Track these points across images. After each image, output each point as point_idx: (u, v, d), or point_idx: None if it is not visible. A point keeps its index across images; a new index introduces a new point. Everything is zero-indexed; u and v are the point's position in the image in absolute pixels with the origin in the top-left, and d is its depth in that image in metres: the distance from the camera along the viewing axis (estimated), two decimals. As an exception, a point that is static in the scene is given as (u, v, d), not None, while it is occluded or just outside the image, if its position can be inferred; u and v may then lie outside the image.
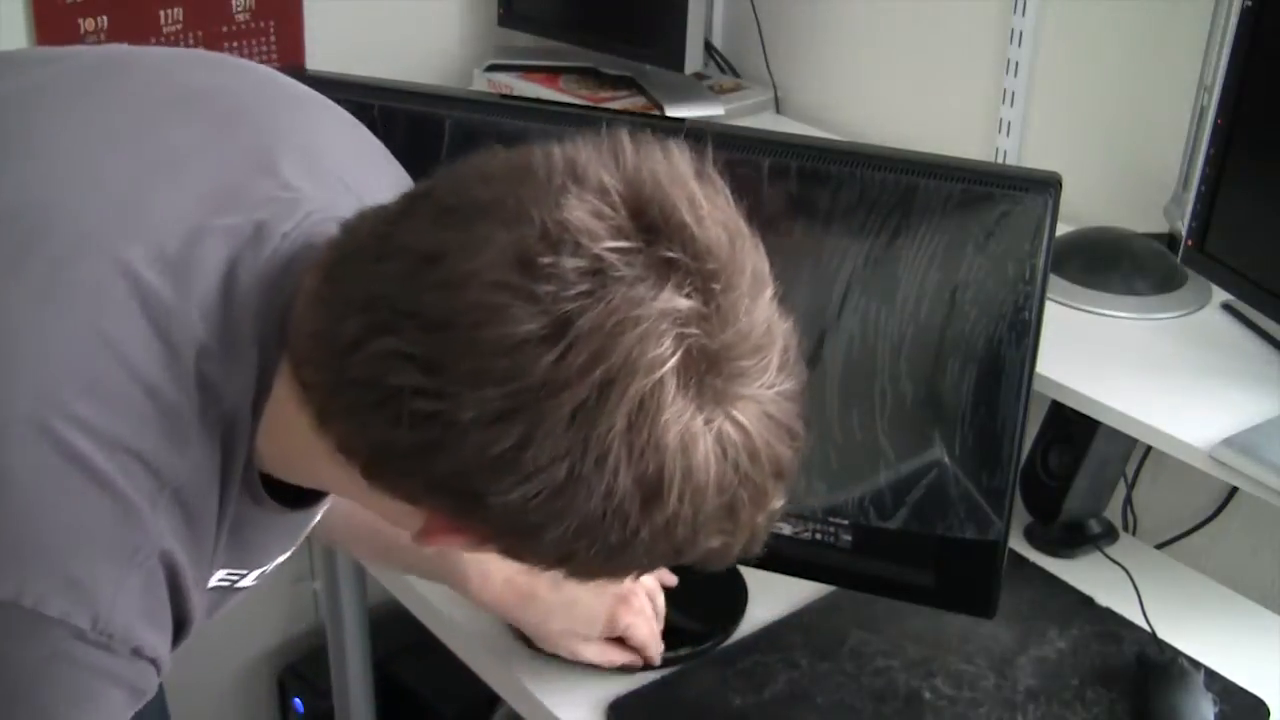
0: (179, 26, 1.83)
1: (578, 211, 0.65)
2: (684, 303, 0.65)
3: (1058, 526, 1.44)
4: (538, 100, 1.78)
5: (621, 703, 1.20)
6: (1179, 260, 1.36)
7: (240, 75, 0.92)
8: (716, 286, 0.67)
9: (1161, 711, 1.18)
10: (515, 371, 0.64)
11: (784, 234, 1.07)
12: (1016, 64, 1.63)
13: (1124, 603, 1.34)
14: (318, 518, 0.94)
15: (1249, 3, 1.22)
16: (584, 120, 1.11)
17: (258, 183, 0.80)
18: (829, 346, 1.09)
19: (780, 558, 1.22)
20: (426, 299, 0.66)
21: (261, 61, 1.91)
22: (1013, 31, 1.63)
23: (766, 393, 0.69)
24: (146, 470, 0.73)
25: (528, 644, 1.25)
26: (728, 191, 0.72)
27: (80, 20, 1.74)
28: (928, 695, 1.21)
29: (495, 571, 1.16)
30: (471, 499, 0.68)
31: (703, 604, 1.31)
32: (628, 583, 1.17)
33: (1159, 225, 1.48)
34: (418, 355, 0.66)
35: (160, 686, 1.26)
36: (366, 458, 0.71)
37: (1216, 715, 1.19)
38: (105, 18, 1.76)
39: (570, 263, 0.64)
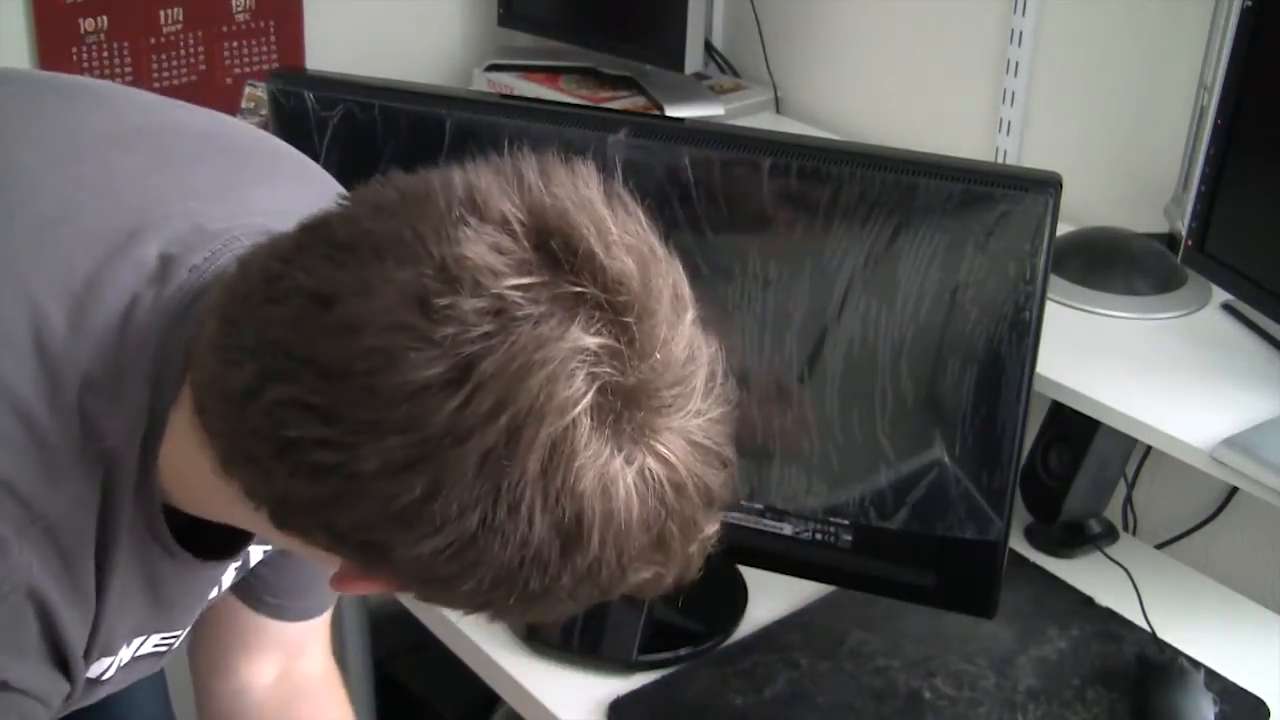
0: (179, 26, 1.83)
1: (477, 246, 0.62)
2: (594, 340, 0.62)
3: (1058, 526, 1.44)
4: (538, 100, 1.78)
5: (621, 703, 1.20)
6: (1179, 260, 1.36)
7: (194, 116, 0.89)
8: (629, 319, 0.63)
9: (1161, 711, 1.18)
10: (417, 420, 0.60)
11: (784, 234, 1.07)
12: (1016, 64, 1.63)
13: (1124, 603, 1.34)
14: (238, 563, 0.89)
15: (1249, 3, 1.22)
16: (584, 120, 1.11)
17: (177, 214, 0.77)
18: (829, 346, 1.09)
19: (780, 558, 1.22)
20: (322, 345, 0.62)
21: (261, 62, 1.92)
22: (1013, 31, 1.63)
23: (692, 422, 0.65)
24: (15, 500, 0.70)
25: (528, 644, 1.25)
26: (640, 211, 0.68)
27: (80, 20, 1.74)
28: (928, 695, 1.21)
29: None
30: (378, 551, 0.65)
31: (703, 604, 1.31)
32: None
33: (1159, 225, 1.48)
34: (316, 404, 0.62)
35: (165, 688, 1.28)
36: (272, 507, 0.68)
37: (1216, 715, 1.19)
38: (105, 18, 1.76)
39: (470, 303, 0.61)
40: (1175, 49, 1.48)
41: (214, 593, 0.91)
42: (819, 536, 1.19)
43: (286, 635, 1.05)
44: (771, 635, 1.28)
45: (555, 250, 0.63)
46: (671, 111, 1.87)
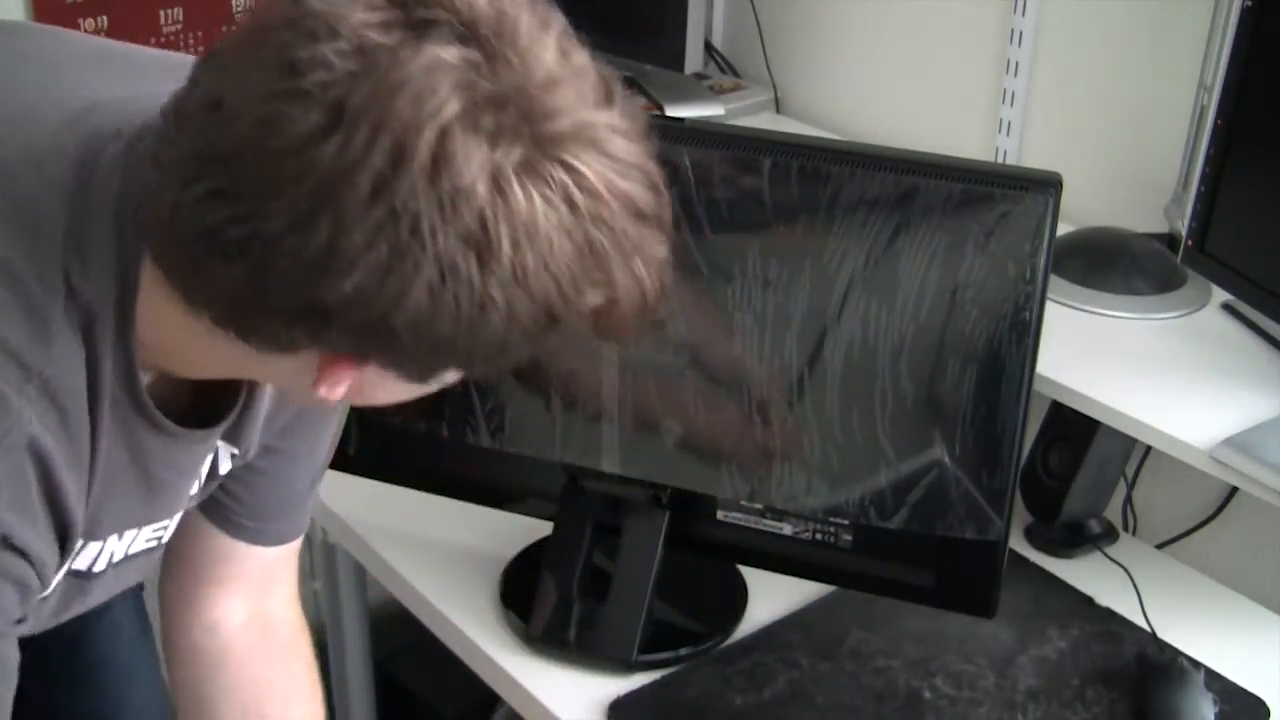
0: (179, 26, 1.83)
1: (328, 4, 0.66)
2: (452, 52, 0.65)
3: (1058, 526, 1.44)
4: (538, 100, 1.78)
5: (621, 703, 1.20)
6: (1179, 260, 1.36)
7: (128, 46, 0.97)
8: (486, 32, 0.66)
9: (1161, 711, 1.18)
10: (306, 169, 0.64)
11: (784, 234, 1.07)
12: (1016, 64, 1.63)
13: (1124, 603, 1.34)
14: (218, 442, 0.92)
15: (1249, 3, 1.22)
16: (584, 120, 1.11)
17: (127, 96, 0.82)
18: (829, 346, 1.09)
19: (780, 558, 1.22)
20: (218, 139, 0.67)
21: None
22: (1013, 31, 1.63)
23: (589, 129, 0.67)
24: (10, 358, 0.73)
25: (528, 644, 1.25)
26: None
27: (80, 20, 1.74)
28: (928, 695, 1.21)
29: None
30: (316, 313, 0.68)
31: (703, 604, 1.31)
32: None
33: (1159, 225, 1.48)
34: (224, 189, 0.67)
35: (160, 693, 1.28)
36: (227, 313, 0.71)
37: (1216, 715, 1.19)
38: (105, 17, 1.76)
39: (330, 48, 0.64)
40: (1175, 49, 1.48)
41: (196, 486, 0.93)
42: (819, 536, 1.19)
43: (257, 566, 1.06)
44: (771, 635, 1.28)
45: None
46: (671, 111, 1.87)
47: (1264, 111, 1.23)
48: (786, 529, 1.20)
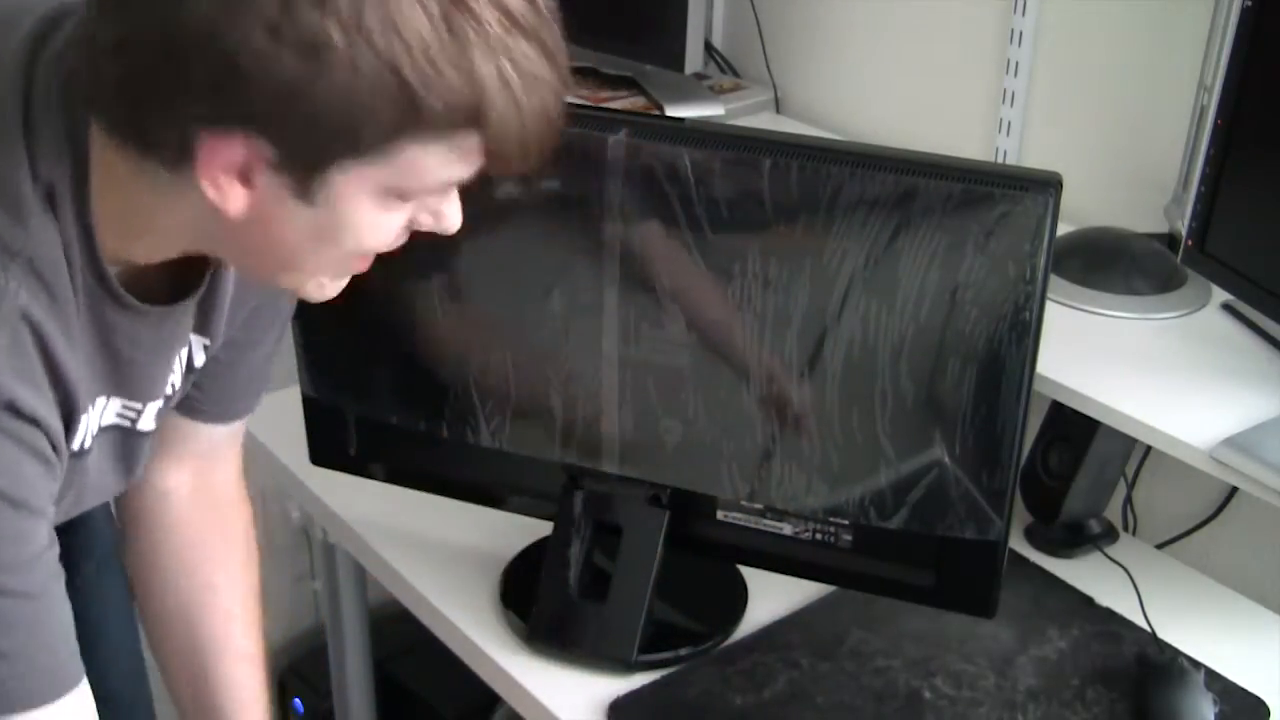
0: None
1: None
2: None
3: (1058, 526, 1.44)
4: (538, 100, 1.78)
5: (621, 703, 1.20)
6: (1179, 260, 1.36)
7: None
8: None
9: (1161, 711, 1.18)
10: None
11: (784, 234, 1.07)
12: (1016, 64, 1.63)
13: (1124, 603, 1.34)
14: (189, 326, 0.97)
15: (1249, 3, 1.22)
16: (584, 120, 1.11)
17: None
18: (829, 346, 1.09)
19: (780, 558, 1.22)
20: None
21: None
22: (1013, 31, 1.63)
23: None
24: None
25: (528, 644, 1.25)
26: None
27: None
28: (928, 695, 1.21)
29: None
30: (175, 60, 0.72)
31: (703, 604, 1.31)
32: None
33: (1159, 225, 1.48)
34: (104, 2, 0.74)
35: (148, 693, 1.29)
36: (120, 109, 0.76)
37: (1216, 715, 1.19)
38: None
39: None
40: (1175, 49, 1.48)
41: (173, 380, 0.98)
42: (819, 536, 1.19)
43: (208, 441, 1.15)
44: (771, 635, 1.28)
45: None
46: (671, 111, 1.87)
47: (1264, 111, 1.23)
48: (786, 529, 1.20)
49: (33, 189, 0.79)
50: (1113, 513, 1.51)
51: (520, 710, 1.25)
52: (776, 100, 1.98)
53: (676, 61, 1.85)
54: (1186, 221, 1.32)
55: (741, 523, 1.22)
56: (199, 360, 1.01)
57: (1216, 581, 1.41)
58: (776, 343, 1.10)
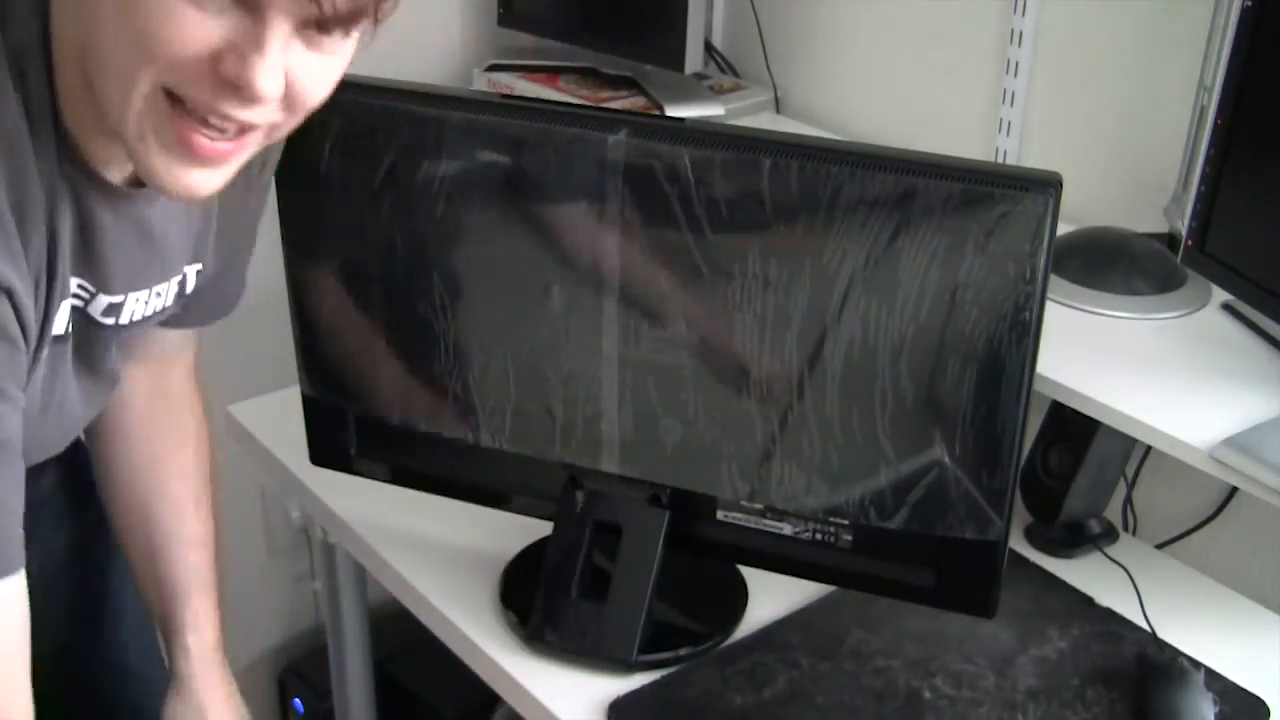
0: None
1: None
2: None
3: (1058, 526, 1.44)
4: (538, 100, 1.78)
5: (621, 703, 1.20)
6: (1179, 260, 1.36)
7: None
8: None
9: (1161, 711, 1.18)
10: None
11: (784, 234, 1.07)
12: (1016, 64, 1.64)
13: (1124, 603, 1.34)
14: (160, 219, 1.00)
15: (1249, 3, 1.22)
16: (584, 120, 1.11)
17: None
18: (829, 346, 1.09)
19: (780, 558, 1.22)
20: None
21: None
22: (1013, 31, 1.63)
23: None
24: None
25: (528, 644, 1.25)
26: None
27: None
28: (928, 695, 1.21)
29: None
30: None
31: (703, 604, 1.31)
32: None
33: (1159, 225, 1.48)
34: None
35: (163, 671, 1.32)
36: None
37: (1216, 715, 1.19)
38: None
39: None
40: (1175, 49, 1.48)
41: (160, 299, 1.04)
42: (819, 536, 1.19)
43: (168, 346, 1.22)
44: (771, 635, 1.28)
45: None
46: (671, 111, 1.87)
47: (1264, 111, 1.23)
48: (786, 529, 1.20)
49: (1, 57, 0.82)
50: (1113, 513, 1.51)
51: (520, 710, 1.25)
52: (776, 100, 1.98)
53: (676, 61, 1.85)
54: (1186, 221, 1.32)
55: (741, 523, 1.22)
56: (190, 286, 1.08)
57: (1216, 581, 1.41)
58: (776, 343, 1.10)
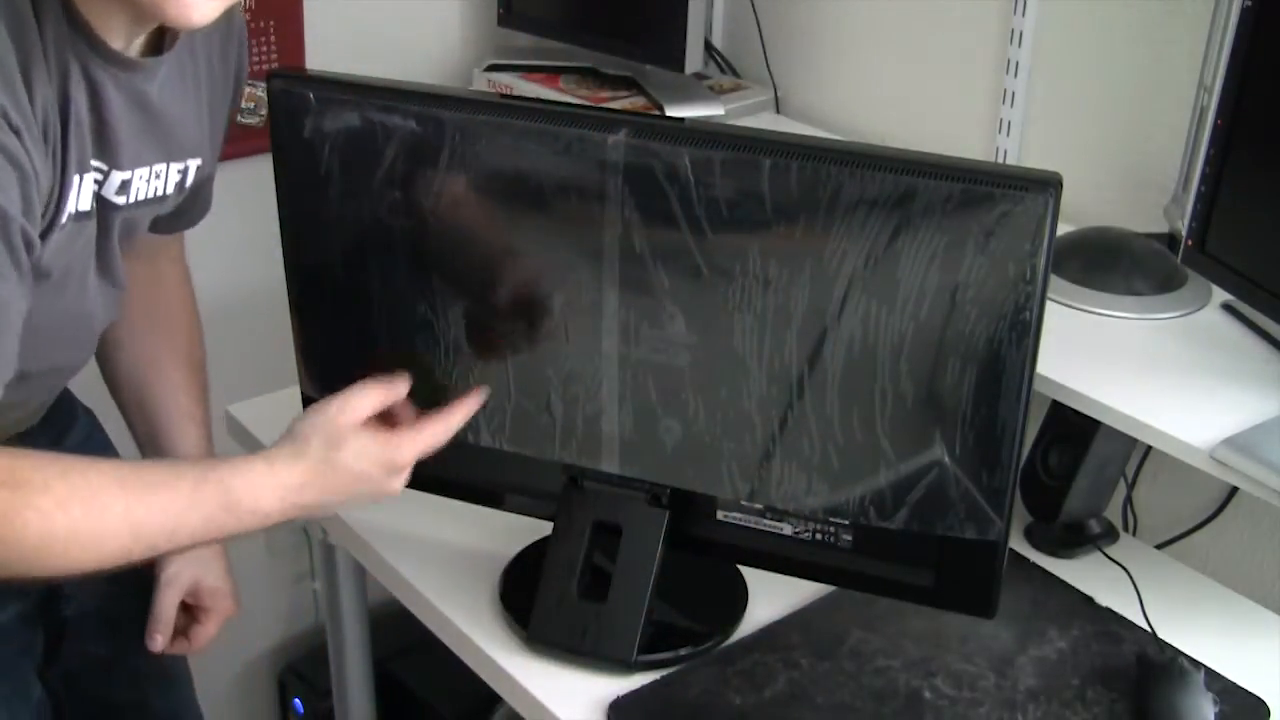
0: (179, 26, 1.82)
1: None
2: None
3: (1058, 526, 1.44)
4: (538, 100, 1.78)
5: (621, 703, 1.20)
6: (1179, 260, 1.36)
7: None
8: None
9: (1161, 711, 1.18)
10: None
11: (784, 234, 1.07)
12: (1016, 64, 1.64)
13: (1124, 603, 1.34)
14: (159, 96, 1.11)
15: (1249, 3, 1.22)
16: (584, 120, 1.11)
17: None
18: (829, 346, 1.09)
19: (780, 558, 1.22)
20: None
21: (262, 62, 1.92)
22: (1013, 32, 1.63)
23: None
24: None
25: (528, 644, 1.25)
26: None
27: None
28: (928, 695, 1.21)
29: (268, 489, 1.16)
30: None
31: (703, 604, 1.31)
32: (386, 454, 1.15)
33: (1159, 225, 1.48)
34: None
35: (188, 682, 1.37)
36: None
37: (1216, 715, 1.19)
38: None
39: None
40: (1175, 49, 1.48)
41: (159, 181, 1.15)
42: (819, 536, 1.19)
43: (156, 242, 1.33)
44: (771, 635, 1.28)
45: None
46: (671, 111, 1.87)
47: (1264, 111, 1.23)
48: (786, 529, 1.20)
49: None
50: (1113, 513, 1.51)
51: (520, 710, 1.25)
52: (776, 100, 1.98)
53: (676, 61, 1.85)
54: (1186, 221, 1.32)
55: (741, 523, 1.22)
56: (190, 180, 1.19)
57: (1216, 581, 1.42)
58: (776, 343, 1.10)
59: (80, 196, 1.06)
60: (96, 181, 1.08)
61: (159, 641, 1.32)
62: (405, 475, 1.15)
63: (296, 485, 1.07)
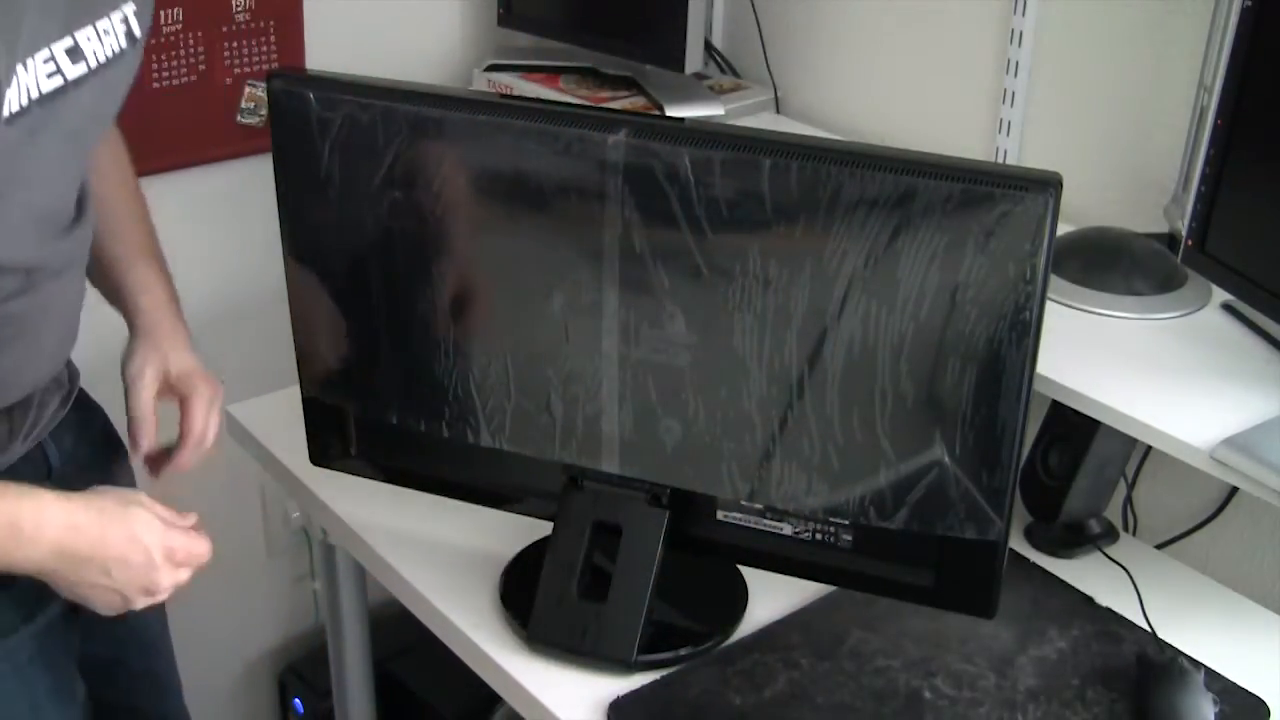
0: (179, 26, 1.83)
1: None
2: None
3: (1058, 526, 1.44)
4: (538, 100, 1.78)
5: (621, 703, 1.20)
6: (1179, 260, 1.36)
7: None
8: None
9: (1161, 711, 1.18)
10: None
11: (784, 234, 1.07)
12: (1016, 64, 1.64)
13: (1124, 603, 1.34)
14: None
15: (1249, 3, 1.22)
16: (584, 120, 1.11)
17: None
18: (829, 346, 1.09)
19: (780, 558, 1.22)
20: None
21: (261, 62, 1.92)
22: (1013, 32, 1.63)
23: None
24: None
25: (528, 644, 1.25)
26: None
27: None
28: (928, 695, 1.21)
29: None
30: None
31: (703, 604, 1.31)
32: (158, 539, 1.12)
33: (1159, 225, 1.48)
34: None
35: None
36: None
37: (1216, 715, 1.19)
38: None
39: None
40: (1175, 49, 1.48)
41: (110, 37, 1.08)
42: (819, 536, 1.19)
43: None
44: (771, 635, 1.28)
45: None
46: (671, 111, 1.87)
47: (1264, 111, 1.23)
48: (786, 529, 1.20)
49: None
50: (1113, 513, 1.51)
51: (520, 710, 1.25)
52: (776, 100, 1.98)
53: (676, 61, 1.85)
54: (1186, 221, 1.32)
55: (741, 523, 1.22)
56: (136, 28, 1.12)
57: (1216, 581, 1.42)
58: (776, 343, 1.10)
59: (38, 77, 0.99)
60: (50, 64, 1.01)
61: (144, 445, 1.25)
62: (173, 577, 1.13)
63: (81, 524, 1.06)
